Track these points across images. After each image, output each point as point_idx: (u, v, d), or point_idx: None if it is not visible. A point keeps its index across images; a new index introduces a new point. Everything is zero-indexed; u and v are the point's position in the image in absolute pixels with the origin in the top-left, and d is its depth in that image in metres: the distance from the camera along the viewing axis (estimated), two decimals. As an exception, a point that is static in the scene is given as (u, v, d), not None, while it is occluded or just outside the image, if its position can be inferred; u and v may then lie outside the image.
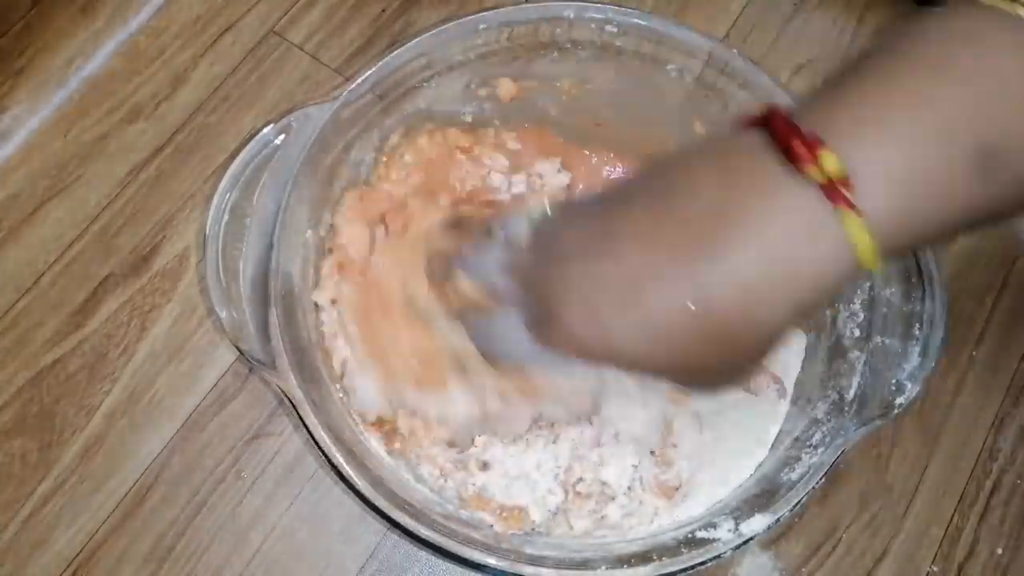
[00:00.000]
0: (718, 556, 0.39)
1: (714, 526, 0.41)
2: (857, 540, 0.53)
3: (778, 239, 0.26)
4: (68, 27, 0.63)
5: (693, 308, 0.27)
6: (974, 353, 0.57)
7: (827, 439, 0.42)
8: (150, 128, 0.61)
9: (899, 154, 0.25)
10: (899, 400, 0.41)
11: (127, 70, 0.62)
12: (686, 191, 0.28)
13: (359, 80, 0.46)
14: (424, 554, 0.51)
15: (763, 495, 0.42)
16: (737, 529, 0.40)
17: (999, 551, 0.53)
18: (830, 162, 0.25)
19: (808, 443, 0.43)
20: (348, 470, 0.39)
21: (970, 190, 0.25)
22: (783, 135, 0.26)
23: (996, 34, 0.25)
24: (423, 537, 0.39)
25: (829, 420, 0.43)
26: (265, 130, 0.44)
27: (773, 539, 0.52)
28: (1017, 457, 0.55)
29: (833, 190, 0.25)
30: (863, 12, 0.67)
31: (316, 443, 0.40)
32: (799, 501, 0.40)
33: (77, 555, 0.51)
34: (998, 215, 0.27)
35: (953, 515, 0.53)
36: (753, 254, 0.26)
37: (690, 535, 0.41)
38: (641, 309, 0.28)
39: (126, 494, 0.52)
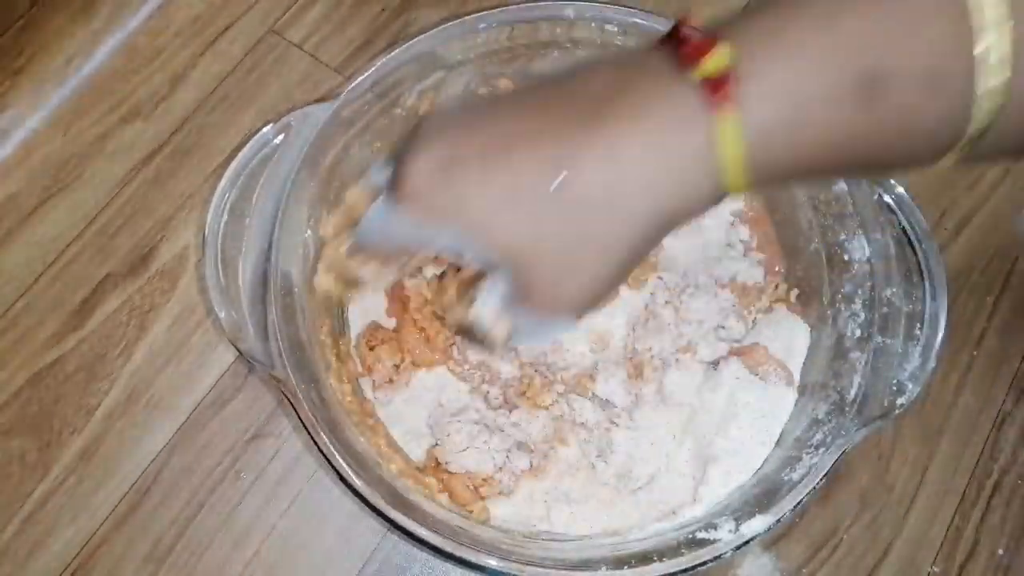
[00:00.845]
0: (719, 557, 0.39)
1: (715, 527, 0.41)
2: (858, 541, 0.52)
3: (652, 132, 0.26)
4: (67, 27, 0.63)
5: (554, 171, 0.26)
6: (974, 353, 0.57)
7: (828, 439, 0.41)
8: (149, 128, 0.61)
9: (786, 67, 0.25)
10: (900, 400, 0.41)
11: (126, 70, 0.62)
12: (580, 81, 0.28)
13: (359, 79, 0.46)
14: (424, 554, 0.51)
15: (764, 496, 0.42)
16: (738, 530, 0.40)
17: (1000, 552, 0.53)
18: (715, 60, 0.25)
19: (809, 443, 0.43)
20: (347, 470, 0.39)
21: (851, 114, 0.25)
22: (681, 36, 0.26)
23: None
24: (423, 537, 0.39)
25: (830, 420, 0.43)
26: (264, 129, 0.43)
27: (774, 539, 0.52)
28: (1018, 457, 0.55)
29: (712, 89, 0.25)
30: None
31: (315, 443, 0.39)
32: (800, 502, 0.40)
33: (77, 555, 0.50)
34: (875, 156, 0.27)
35: (954, 515, 0.53)
36: (626, 140, 0.26)
37: (691, 536, 0.41)
38: (501, 167, 0.27)
39: (125, 494, 0.52)
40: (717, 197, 0.27)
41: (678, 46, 0.26)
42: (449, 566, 0.51)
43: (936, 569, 0.52)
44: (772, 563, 0.52)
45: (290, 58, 0.63)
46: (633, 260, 0.29)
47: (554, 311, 0.30)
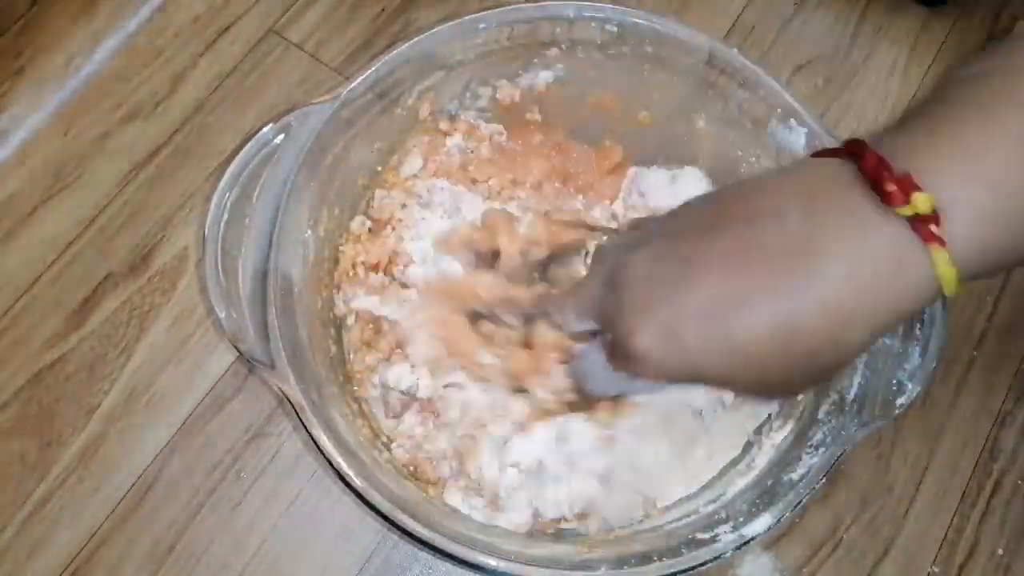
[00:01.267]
0: (719, 557, 0.39)
1: (715, 526, 0.41)
2: (858, 540, 0.52)
3: (866, 270, 0.27)
4: (67, 27, 0.63)
5: (779, 332, 0.28)
6: (974, 353, 0.57)
7: (828, 439, 0.41)
8: (149, 128, 0.61)
9: (987, 191, 0.26)
10: (900, 400, 0.40)
11: (126, 70, 0.62)
12: (772, 219, 0.29)
13: (359, 79, 0.46)
14: (424, 554, 0.51)
15: (764, 496, 0.42)
16: (738, 530, 0.40)
17: (1000, 551, 0.53)
18: (922, 202, 0.26)
19: (809, 443, 0.43)
20: (347, 471, 0.39)
21: None
22: (873, 172, 0.27)
23: None
24: (423, 537, 0.39)
25: (830, 420, 0.43)
26: (264, 129, 0.43)
27: (774, 539, 0.52)
28: (1018, 457, 0.55)
29: (923, 226, 0.26)
30: (863, 12, 0.67)
31: (315, 444, 0.39)
32: (800, 502, 0.40)
33: (77, 555, 0.51)
34: None
35: (954, 515, 0.53)
36: (841, 283, 0.27)
37: (691, 536, 0.41)
38: (725, 331, 0.29)
39: (126, 494, 0.52)
40: (933, 302, 0.30)
41: (873, 183, 0.27)
42: (449, 566, 0.51)
43: (936, 569, 0.52)
44: (772, 563, 0.52)
45: (290, 58, 0.63)
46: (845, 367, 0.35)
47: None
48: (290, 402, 0.40)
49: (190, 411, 0.54)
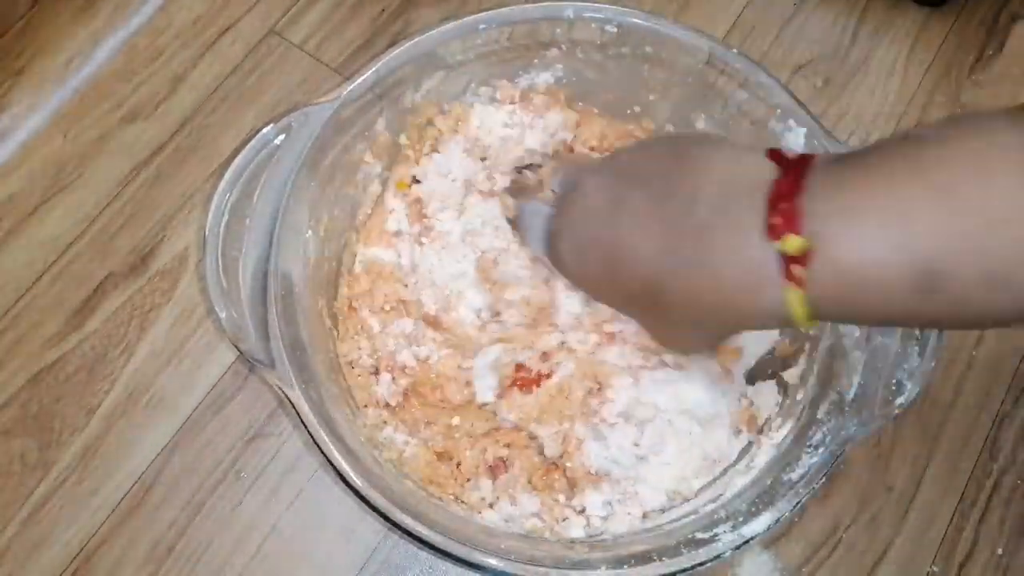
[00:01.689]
0: (718, 556, 0.39)
1: (714, 526, 0.41)
2: (857, 540, 0.53)
3: (730, 278, 0.31)
4: (68, 27, 0.63)
5: (648, 294, 0.34)
6: (974, 353, 0.57)
7: (827, 439, 0.41)
8: (150, 128, 0.61)
9: (858, 254, 0.28)
10: (899, 400, 0.41)
11: (127, 70, 0.62)
12: (689, 198, 0.33)
13: (359, 80, 0.46)
14: (424, 554, 0.51)
15: (763, 495, 0.42)
16: (737, 529, 0.40)
17: (999, 551, 0.53)
18: (791, 243, 0.29)
19: (808, 443, 0.43)
20: (347, 470, 0.39)
21: (907, 301, 0.28)
22: (774, 198, 0.30)
23: (1007, 169, 0.26)
24: (423, 537, 0.39)
25: (829, 420, 0.43)
26: (265, 130, 0.43)
27: (773, 539, 0.52)
28: (1017, 457, 0.55)
29: (787, 264, 0.29)
30: (863, 12, 0.67)
31: (315, 443, 0.39)
32: (799, 502, 0.40)
33: (77, 555, 0.51)
34: (925, 324, 0.33)
35: (953, 515, 0.53)
36: (708, 278, 0.32)
37: (690, 535, 0.41)
38: (613, 273, 0.36)
39: (126, 494, 0.52)
40: (784, 326, 0.34)
41: (770, 201, 0.30)
42: (449, 566, 0.51)
43: (935, 568, 0.52)
44: (772, 562, 0.52)
45: (290, 59, 0.63)
46: (712, 346, 0.44)
47: (667, 348, 0.47)
48: (290, 402, 0.40)
49: (190, 411, 0.54)
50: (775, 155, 0.32)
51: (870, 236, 0.28)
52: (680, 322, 0.35)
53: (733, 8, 0.66)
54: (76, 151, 0.60)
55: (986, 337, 0.58)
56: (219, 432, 0.53)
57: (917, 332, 0.41)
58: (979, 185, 0.26)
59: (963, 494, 0.54)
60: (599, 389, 0.48)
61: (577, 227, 0.38)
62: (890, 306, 0.29)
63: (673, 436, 0.47)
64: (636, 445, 0.47)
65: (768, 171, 0.31)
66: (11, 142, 0.60)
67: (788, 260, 0.29)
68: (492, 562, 0.39)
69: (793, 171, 0.30)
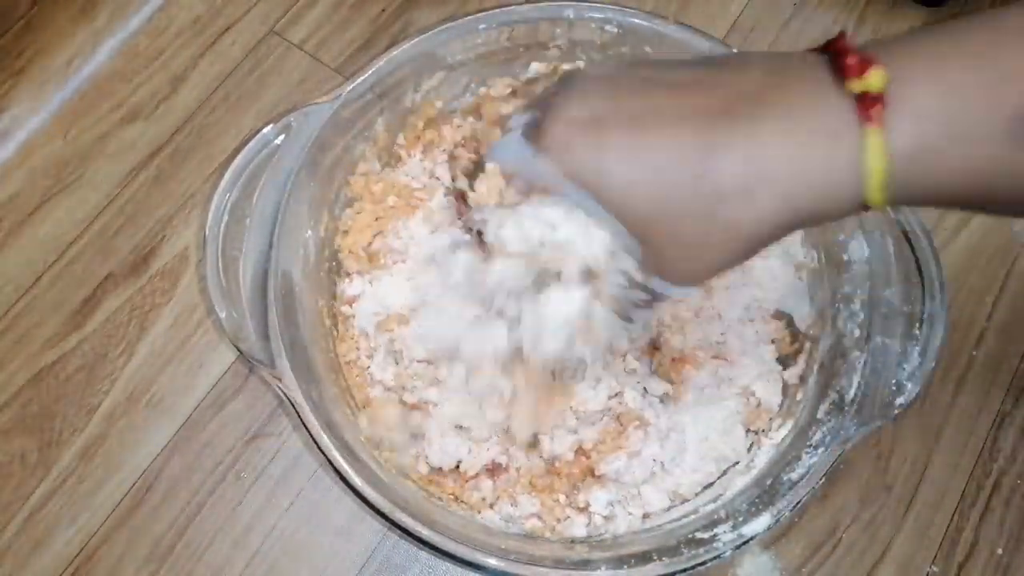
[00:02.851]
0: (718, 556, 0.39)
1: (714, 526, 0.41)
2: (857, 540, 0.52)
3: (801, 133, 0.27)
4: (68, 27, 0.63)
5: (694, 156, 0.27)
6: (974, 353, 0.57)
7: (827, 439, 0.42)
8: (150, 128, 0.61)
9: (941, 96, 0.26)
10: (899, 400, 0.41)
11: (127, 70, 0.62)
12: (736, 67, 0.29)
13: (359, 80, 0.46)
14: (424, 554, 0.51)
15: (763, 495, 0.42)
16: (737, 529, 0.40)
17: (999, 551, 0.53)
18: (874, 78, 0.26)
19: (808, 443, 0.43)
20: (347, 470, 0.39)
21: (998, 152, 0.26)
22: (840, 48, 0.27)
23: None
24: (423, 537, 0.39)
25: (829, 420, 0.43)
26: (265, 130, 0.44)
27: (773, 539, 0.52)
28: (1017, 457, 0.55)
29: (867, 104, 0.26)
30: (863, 12, 0.67)
31: (315, 443, 0.40)
32: (799, 501, 0.40)
33: (77, 555, 0.51)
34: (1018, 194, 0.27)
35: (953, 515, 0.53)
36: (773, 139, 0.27)
37: (690, 535, 0.41)
38: (646, 141, 0.28)
39: (126, 494, 0.52)
40: (853, 208, 0.28)
41: (836, 57, 0.27)
42: (449, 565, 0.51)
43: (935, 569, 0.52)
44: (772, 562, 0.52)
45: (290, 59, 0.63)
46: (756, 248, 0.30)
47: (679, 281, 0.32)
48: (290, 402, 0.40)
49: (190, 411, 0.54)
50: (811, 50, 0.29)
51: (952, 80, 0.26)
52: (734, 196, 0.27)
53: (733, 8, 0.66)
54: (76, 151, 0.60)
55: (986, 337, 0.58)
56: (219, 432, 0.53)
57: (917, 332, 0.41)
58: None
59: (963, 494, 0.54)
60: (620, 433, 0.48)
61: (585, 100, 0.30)
62: (981, 162, 0.26)
63: (693, 444, 0.47)
64: (654, 460, 0.47)
65: (811, 54, 0.29)
66: (11, 142, 0.60)
67: (868, 101, 0.26)
68: (492, 562, 0.39)
69: (839, 36, 0.28)
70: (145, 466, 0.52)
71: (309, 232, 0.47)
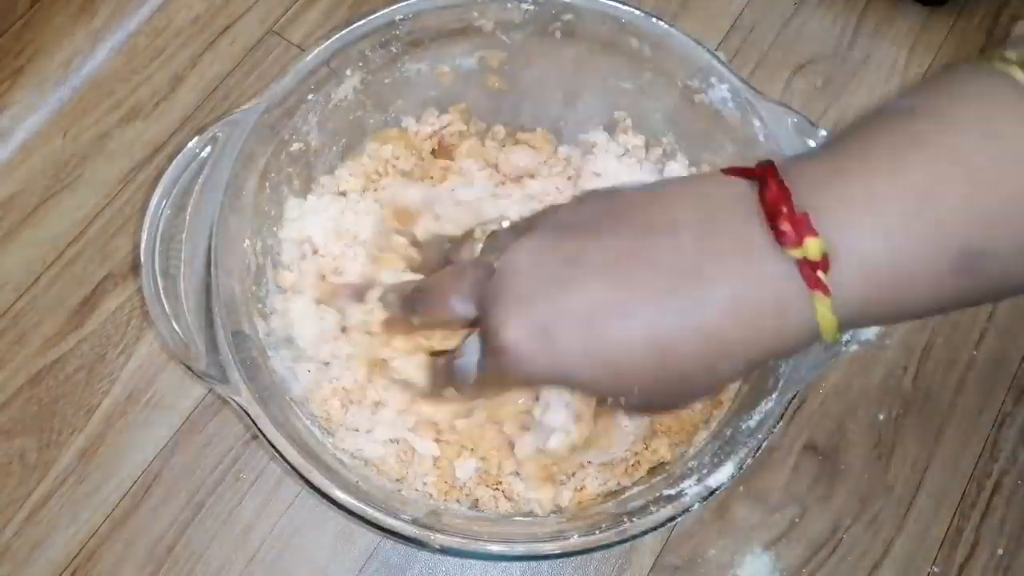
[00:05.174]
0: (687, 510, 0.39)
1: (679, 481, 0.41)
2: (858, 541, 0.52)
3: (750, 304, 0.27)
4: (67, 26, 0.63)
5: (654, 349, 0.28)
6: (974, 353, 0.57)
7: (780, 383, 0.41)
8: (149, 128, 0.61)
9: (883, 244, 0.25)
10: (845, 338, 0.40)
11: (126, 69, 0.62)
12: (667, 233, 0.28)
13: (281, 81, 0.45)
14: (424, 554, 0.51)
15: (724, 446, 0.41)
16: (703, 482, 0.39)
17: (1000, 552, 0.53)
18: (813, 248, 0.25)
19: (763, 390, 0.42)
20: (319, 478, 0.38)
21: (946, 286, 0.26)
22: (772, 206, 0.26)
23: (1008, 119, 0.24)
24: (400, 531, 0.38)
25: (780, 366, 0.42)
26: (190, 144, 0.42)
27: (774, 540, 0.52)
28: (1018, 457, 0.55)
29: (810, 271, 0.26)
30: (863, 12, 0.67)
31: (279, 453, 0.38)
32: (759, 447, 0.39)
33: (76, 555, 0.50)
34: (968, 305, 0.28)
35: (954, 515, 0.53)
36: (724, 312, 0.27)
37: (658, 494, 0.41)
38: (601, 340, 0.28)
39: (125, 494, 0.52)
40: (809, 344, 0.28)
41: (766, 210, 0.26)
42: (449, 565, 0.51)
43: (936, 569, 0.52)
44: (772, 563, 0.52)
45: (290, 58, 0.63)
46: (719, 390, 0.36)
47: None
48: (246, 413, 0.39)
49: (190, 411, 0.54)
50: (733, 171, 0.29)
51: (893, 224, 0.25)
52: (695, 373, 0.28)
53: (733, 8, 0.66)
54: (76, 151, 0.60)
55: (986, 337, 0.57)
56: (218, 432, 0.53)
57: None
58: (991, 147, 0.24)
59: (964, 494, 0.54)
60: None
61: (527, 307, 0.29)
62: (927, 295, 0.26)
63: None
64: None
65: (739, 185, 0.28)
66: (11, 142, 0.60)
67: (810, 267, 0.26)
68: (494, 548, 0.39)
69: (769, 176, 0.27)
70: (145, 466, 0.52)
71: (247, 241, 0.46)
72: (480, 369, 0.35)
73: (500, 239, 0.35)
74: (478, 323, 0.33)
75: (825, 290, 0.26)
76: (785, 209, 0.26)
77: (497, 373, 0.32)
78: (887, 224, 0.25)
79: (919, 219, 0.25)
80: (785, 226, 0.26)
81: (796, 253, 0.25)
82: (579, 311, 0.28)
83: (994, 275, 0.25)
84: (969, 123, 0.25)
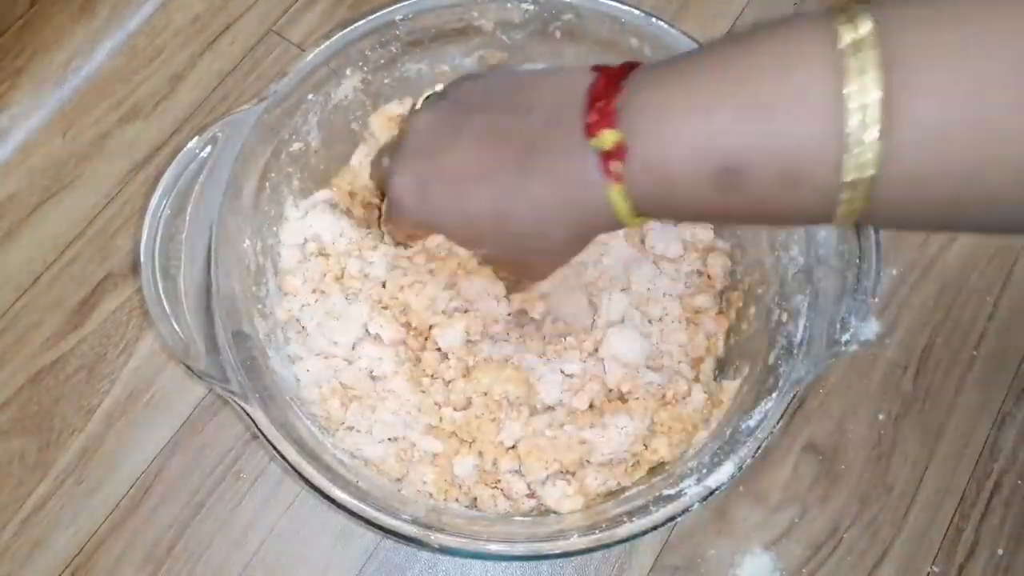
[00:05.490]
0: (687, 510, 0.39)
1: (679, 481, 0.41)
2: (858, 541, 0.52)
3: (564, 183, 0.32)
4: (67, 26, 0.63)
5: (496, 212, 0.34)
6: (974, 353, 0.57)
7: (780, 383, 0.41)
8: (149, 127, 0.61)
9: (658, 147, 0.29)
10: (845, 337, 0.41)
11: (126, 69, 0.62)
12: (524, 113, 0.33)
13: (281, 82, 0.45)
14: (424, 554, 0.51)
15: (724, 446, 0.42)
16: (702, 482, 0.40)
17: (1000, 551, 0.53)
18: (608, 138, 0.29)
19: (763, 390, 0.43)
20: (319, 478, 0.39)
21: (709, 196, 0.29)
22: (591, 98, 0.31)
23: (801, 62, 0.26)
24: (399, 531, 0.38)
25: (780, 365, 0.43)
26: (190, 144, 0.42)
27: (774, 540, 0.52)
28: (1018, 457, 0.55)
29: (604, 160, 0.30)
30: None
31: (279, 453, 0.39)
32: (759, 447, 0.40)
33: (76, 555, 0.50)
34: (744, 222, 0.33)
35: (954, 515, 0.53)
36: (543, 184, 0.32)
37: (658, 494, 0.41)
38: (460, 200, 0.35)
39: (125, 494, 0.52)
40: (620, 226, 0.33)
41: (587, 103, 0.31)
42: (449, 565, 0.51)
43: (936, 569, 0.52)
44: (772, 563, 0.52)
45: (290, 58, 0.63)
46: (566, 259, 0.38)
47: (526, 283, 0.45)
48: (246, 413, 0.39)
49: (190, 411, 0.54)
50: (597, 67, 0.32)
51: (673, 132, 0.28)
52: (531, 235, 0.34)
53: (733, 8, 0.66)
54: (76, 151, 0.60)
55: (986, 337, 0.57)
56: (219, 432, 0.53)
57: (857, 265, 0.41)
58: (776, 82, 0.26)
59: (963, 494, 0.54)
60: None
61: (415, 162, 0.36)
62: (695, 202, 0.29)
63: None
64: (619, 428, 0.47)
65: (589, 80, 0.32)
66: (10, 142, 0.60)
67: (605, 156, 0.29)
68: (493, 548, 0.39)
69: (613, 75, 0.31)
70: (144, 466, 0.52)
71: (247, 241, 0.46)
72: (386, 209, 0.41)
73: (422, 105, 0.41)
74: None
75: (616, 178, 0.30)
76: (601, 104, 0.30)
77: (393, 212, 0.38)
78: (669, 131, 0.28)
79: (691, 131, 0.28)
80: (592, 117, 0.30)
81: (593, 143, 0.30)
82: (449, 171, 0.35)
83: (753, 195, 0.28)
84: (768, 57, 0.27)
